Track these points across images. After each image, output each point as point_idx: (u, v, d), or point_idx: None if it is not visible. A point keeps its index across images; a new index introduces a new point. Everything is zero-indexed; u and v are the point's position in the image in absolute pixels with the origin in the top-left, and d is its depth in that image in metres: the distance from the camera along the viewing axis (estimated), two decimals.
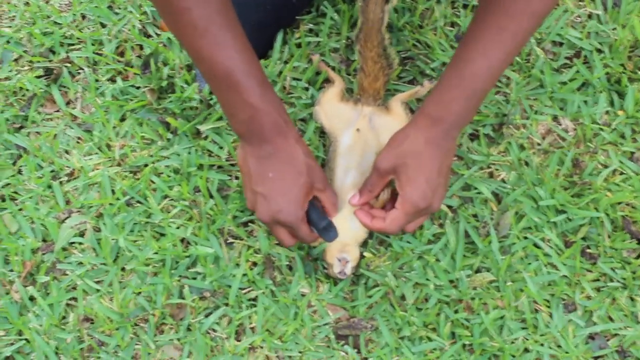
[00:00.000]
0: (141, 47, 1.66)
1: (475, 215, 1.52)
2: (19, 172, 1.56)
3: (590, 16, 1.69)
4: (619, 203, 1.53)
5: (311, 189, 1.34)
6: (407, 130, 1.36)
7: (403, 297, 1.46)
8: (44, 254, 1.49)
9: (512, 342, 1.43)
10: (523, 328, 1.45)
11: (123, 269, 1.48)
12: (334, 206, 1.40)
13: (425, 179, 1.32)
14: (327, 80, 1.59)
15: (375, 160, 1.38)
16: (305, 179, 1.32)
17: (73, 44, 1.67)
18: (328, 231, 1.37)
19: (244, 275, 1.46)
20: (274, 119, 1.28)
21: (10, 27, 1.69)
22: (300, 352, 1.43)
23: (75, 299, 1.46)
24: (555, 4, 1.24)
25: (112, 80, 1.63)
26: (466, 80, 1.28)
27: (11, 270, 1.48)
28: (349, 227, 1.43)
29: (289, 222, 1.33)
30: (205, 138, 1.55)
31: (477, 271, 1.48)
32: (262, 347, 1.43)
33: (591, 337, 1.46)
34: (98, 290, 1.46)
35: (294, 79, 1.61)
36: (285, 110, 1.32)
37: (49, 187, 1.54)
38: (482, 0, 1.27)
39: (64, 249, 1.49)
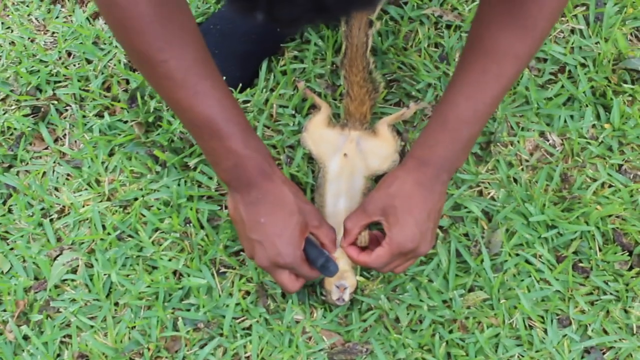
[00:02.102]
0: (127, 82, 1.67)
1: (466, 235, 1.52)
2: (9, 211, 1.57)
3: (573, 31, 1.70)
4: (609, 216, 1.53)
5: (306, 228, 1.33)
6: (396, 172, 1.35)
7: (397, 320, 1.46)
8: (36, 292, 1.49)
9: None
10: (518, 345, 1.44)
11: (116, 304, 1.48)
12: (332, 242, 1.38)
13: (415, 222, 1.30)
14: (314, 107, 1.60)
15: (363, 201, 1.38)
16: (297, 218, 1.31)
17: (59, 81, 1.68)
18: (327, 267, 1.36)
19: (238, 304, 1.46)
20: (259, 164, 1.28)
21: None
22: None
23: (69, 336, 1.46)
24: (539, 46, 1.23)
25: (100, 115, 1.64)
26: (450, 124, 1.29)
27: (4, 310, 1.48)
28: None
29: (289, 264, 1.31)
30: (194, 169, 1.55)
31: (470, 290, 1.48)
32: None
33: (587, 351, 1.45)
34: (92, 326, 1.46)
35: (281, 106, 1.62)
36: (269, 153, 1.32)
37: (40, 225, 1.54)
38: (467, 41, 1.27)
39: (56, 286, 1.50)
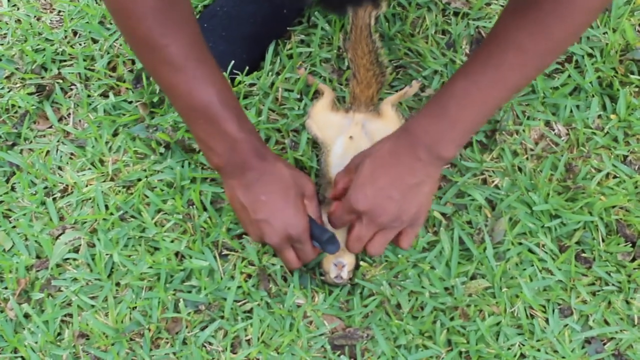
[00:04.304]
0: (133, 62, 1.66)
1: (469, 222, 1.52)
2: (12, 189, 1.56)
3: None
4: (613, 207, 1.53)
5: (303, 197, 1.37)
6: (385, 137, 1.37)
7: (399, 306, 1.46)
8: (38, 270, 1.49)
9: (509, 349, 1.43)
10: (519, 334, 1.44)
11: (118, 284, 1.48)
12: (319, 217, 1.42)
13: (372, 183, 1.31)
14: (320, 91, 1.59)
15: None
16: (295, 190, 1.35)
17: (65, 60, 1.67)
18: (332, 243, 1.38)
19: (239, 287, 1.46)
20: (253, 146, 1.31)
21: (1, 44, 1.69)
22: None
23: (70, 315, 1.46)
24: (551, 50, 1.22)
25: (105, 95, 1.63)
26: (440, 97, 1.29)
27: (5, 288, 1.48)
28: (344, 233, 1.43)
29: (299, 235, 1.35)
30: (198, 152, 1.55)
31: (472, 278, 1.48)
32: (258, 359, 1.43)
33: (587, 341, 1.45)
34: (93, 306, 1.46)
35: (287, 90, 1.61)
36: (259, 135, 1.35)
37: (43, 203, 1.54)
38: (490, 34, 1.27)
39: (58, 265, 1.49)
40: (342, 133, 1.49)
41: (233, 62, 1.58)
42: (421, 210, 1.35)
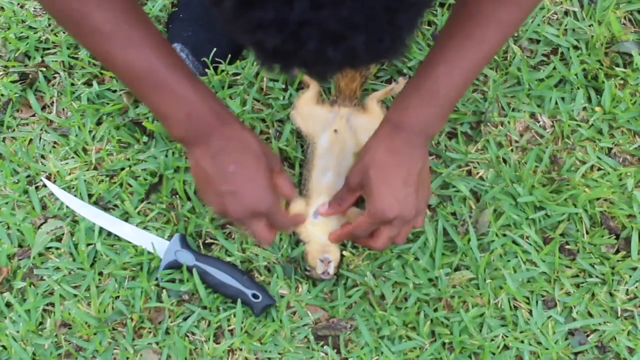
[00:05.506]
0: None
1: (453, 214, 1.52)
2: None
3: (566, 13, 1.69)
4: (597, 199, 1.53)
5: (271, 172, 1.27)
6: (370, 142, 1.33)
7: (382, 297, 1.46)
8: (20, 259, 1.48)
9: (492, 340, 1.43)
10: (503, 325, 1.44)
11: (100, 274, 1.47)
12: (291, 190, 1.34)
13: (390, 190, 1.27)
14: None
15: (346, 176, 1.37)
16: (265, 161, 1.25)
17: (48, 48, 1.66)
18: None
19: None
20: (213, 108, 1.21)
21: None
22: (279, 354, 1.42)
23: (52, 304, 1.46)
24: (524, 16, 1.24)
25: (88, 84, 1.62)
26: (425, 87, 1.26)
27: None
28: (329, 227, 1.42)
29: (266, 209, 1.24)
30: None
31: (457, 269, 1.47)
32: (241, 350, 1.42)
33: (571, 333, 1.46)
34: (75, 295, 1.46)
35: (271, 79, 1.60)
36: (217, 97, 1.25)
37: (25, 192, 1.53)
38: (453, 8, 1.26)
39: (40, 254, 1.49)
40: (327, 126, 1.48)
41: (215, 50, 1.57)
42: (429, 193, 1.35)
